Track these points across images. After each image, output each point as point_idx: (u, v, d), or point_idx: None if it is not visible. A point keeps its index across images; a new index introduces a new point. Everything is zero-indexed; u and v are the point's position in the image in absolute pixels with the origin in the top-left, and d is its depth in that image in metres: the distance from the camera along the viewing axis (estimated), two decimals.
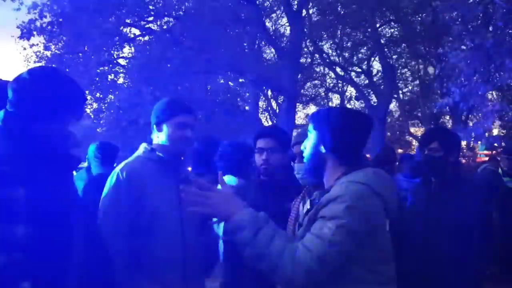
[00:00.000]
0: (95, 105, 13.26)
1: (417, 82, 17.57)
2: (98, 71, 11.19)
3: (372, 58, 16.15)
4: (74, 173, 3.63)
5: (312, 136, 1.57)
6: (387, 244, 1.46)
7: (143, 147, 1.97)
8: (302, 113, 20.14)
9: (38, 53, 12.23)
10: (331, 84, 19.72)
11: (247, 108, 16.80)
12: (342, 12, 13.55)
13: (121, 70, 13.39)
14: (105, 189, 1.84)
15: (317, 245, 1.32)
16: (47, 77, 1.36)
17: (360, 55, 16.46)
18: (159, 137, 1.93)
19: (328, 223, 1.35)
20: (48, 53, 11.62)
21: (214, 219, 1.50)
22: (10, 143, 1.25)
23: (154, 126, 1.95)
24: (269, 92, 18.23)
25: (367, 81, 16.66)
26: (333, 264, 1.34)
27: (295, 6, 12.58)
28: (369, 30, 13.23)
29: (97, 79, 11.43)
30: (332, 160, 1.52)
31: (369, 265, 1.39)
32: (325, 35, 15.28)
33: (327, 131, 1.52)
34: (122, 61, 13.43)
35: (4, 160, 1.19)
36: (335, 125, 1.52)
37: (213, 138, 3.09)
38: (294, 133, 5.61)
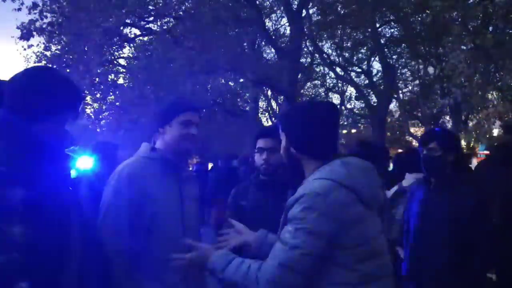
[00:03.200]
0: (95, 105, 13.25)
1: (417, 82, 17.57)
2: (99, 71, 11.17)
3: (372, 58, 16.15)
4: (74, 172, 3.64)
5: (283, 139, 1.58)
6: (368, 237, 1.40)
7: (144, 146, 1.97)
8: None
9: (38, 54, 12.23)
10: (331, 84, 19.75)
11: (247, 108, 16.80)
12: (342, 12, 13.55)
13: (122, 70, 13.40)
14: (106, 189, 1.84)
15: (279, 250, 1.32)
16: (43, 76, 1.35)
17: (360, 55, 16.46)
18: (164, 136, 1.93)
19: (288, 227, 1.35)
20: (48, 53, 11.62)
21: None
22: (6, 143, 1.25)
23: (159, 127, 1.94)
24: (269, 92, 18.24)
25: (367, 81, 16.66)
26: (303, 268, 1.30)
27: (295, 6, 12.58)
28: (369, 30, 13.22)
29: (97, 79, 11.41)
30: (304, 158, 1.53)
31: (350, 264, 1.34)
32: (325, 35, 15.28)
33: (292, 133, 1.54)
34: (122, 61, 13.45)
35: (1, 160, 1.19)
36: (297, 126, 1.52)
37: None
38: None
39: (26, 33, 10.22)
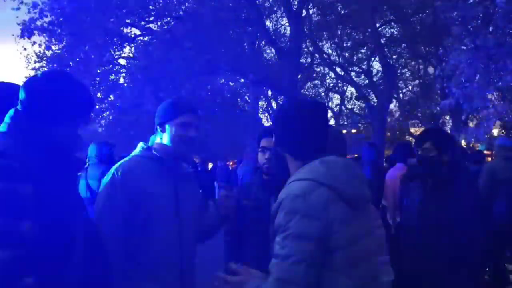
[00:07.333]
0: (96, 105, 13.25)
1: (417, 82, 17.59)
2: (99, 71, 11.18)
3: (372, 58, 16.16)
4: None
5: (273, 137, 1.58)
6: (356, 238, 1.35)
7: (140, 146, 1.96)
8: None
9: (39, 53, 12.23)
10: (331, 84, 19.76)
11: (247, 108, 16.81)
12: (342, 12, 13.56)
13: (122, 70, 13.40)
14: (101, 188, 1.84)
15: (274, 265, 1.28)
16: (60, 80, 1.38)
17: (360, 55, 16.48)
18: (163, 137, 1.92)
19: (276, 238, 1.31)
20: (48, 52, 11.62)
21: None
22: (19, 141, 1.27)
23: (158, 127, 1.93)
24: (269, 92, 18.25)
25: (367, 81, 16.67)
26: (300, 277, 1.25)
27: (295, 6, 12.58)
28: (369, 30, 13.23)
29: (97, 79, 11.42)
30: (289, 157, 1.51)
31: (344, 270, 1.30)
32: (325, 35, 15.29)
33: (278, 130, 1.53)
34: (122, 61, 13.45)
35: (13, 156, 1.21)
36: (282, 124, 1.51)
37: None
38: None
39: (26, 31, 10.22)
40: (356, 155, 8.52)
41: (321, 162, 1.40)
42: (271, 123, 1.73)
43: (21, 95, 1.35)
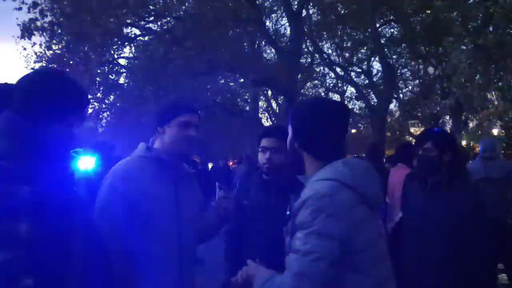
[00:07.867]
0: (96, 105, 13.27)
1: (417, 82, 17.60)
2: (99, 71, 11.18)
3: (372, 58, 16.16)
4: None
5: (290, 132, 1.55)
6: (374, 239, 1.38)
7: (141, 146, 1.96)
8: None
9: (39, 53, 12.23)
10: (331, 84, 19.77)
11: (247, 108, 16.81)
12: (342, 12, 13.56)
13: (122, 70, 13.41)
14: (101, 188, 1.83)
15: (293, 260, 1.29)
16: (53, 78, 1.37)
17: (360, 55, 16.47)
18: (163, 138, 1.91)
19: (298, 233, 1.32)
20: (48, 53, 11.62)
21: None
22: (14, 141, 1.26)
23: (158, 127, 1.92)
24: (269, 92, 18.26)
25: (367, 81, 16.68)
26: (319, 274, 1.26)
27: (295, 6, 12.59)
28: (369, 30, 13.23)
29: (97, 79, 11.42)
30: (307, 155, 1.49)
31: (365, 269, 1.32)
32: (325, 35, 15.29)
33: (298, 128, 1.51)
34: (122, 61, 13.45)
35: (9, 158, 1.20)
36: (303, 121, 1.49)
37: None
38: None
39: (27, 32, 10.22)
40: (355, 155, 8.52)
41: (344, 163, 1.40)
42: (273, 124, 1.72)
43: (15, 94, 1.33)
